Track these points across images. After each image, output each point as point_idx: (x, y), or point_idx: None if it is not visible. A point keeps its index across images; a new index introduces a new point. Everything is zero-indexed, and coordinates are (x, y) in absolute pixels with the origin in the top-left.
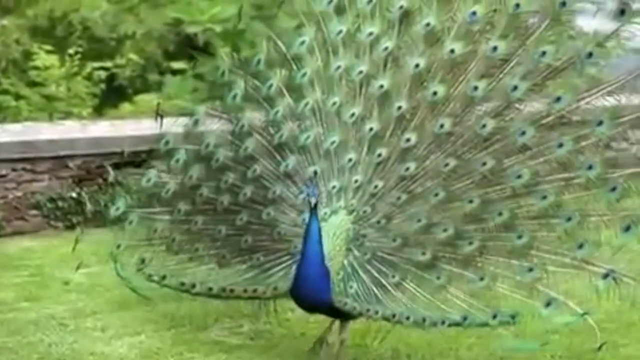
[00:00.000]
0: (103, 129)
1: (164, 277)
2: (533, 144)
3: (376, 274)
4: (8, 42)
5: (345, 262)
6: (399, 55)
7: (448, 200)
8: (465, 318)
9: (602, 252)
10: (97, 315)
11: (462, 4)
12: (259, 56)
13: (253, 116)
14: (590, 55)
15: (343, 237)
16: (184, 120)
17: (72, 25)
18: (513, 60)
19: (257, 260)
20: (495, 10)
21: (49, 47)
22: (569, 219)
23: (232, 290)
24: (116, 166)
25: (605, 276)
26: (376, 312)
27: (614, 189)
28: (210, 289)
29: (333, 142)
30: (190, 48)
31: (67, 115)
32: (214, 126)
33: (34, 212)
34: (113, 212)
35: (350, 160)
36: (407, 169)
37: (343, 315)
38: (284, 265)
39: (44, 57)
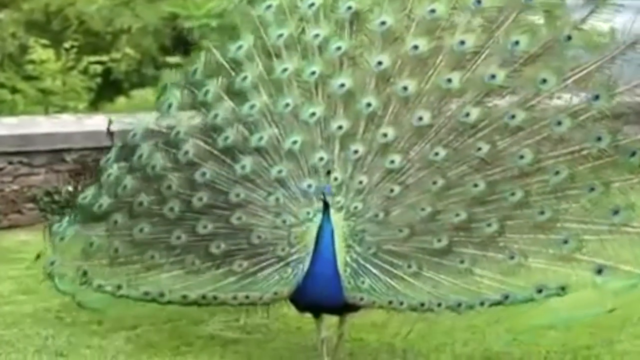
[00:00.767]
0: (99, 122)
1: (119, 287)
2: (526, 125)
3: (388, 267)
4: (4, 36)
5: (348, 258)
6: (356, 54)
7: (449, 187)
8: (506, 297)
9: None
10: None
11: (416, 2)
12: (196, 66)
13: (189, 122)
14: (569, 38)
15: (338, 234)
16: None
17: (68, 19)
18: (484, 52)
19: (240, 267)
20: (455, 8)
21: (45, 41)
22: (591, 189)
23: (215, 298)
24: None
25: None
26: (401, 304)
27: (633, 154)
28: (185, 296)
29: (295, 142)
30: (186, 43)
31: (63, 109)
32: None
33: (30, 205)
34: (55, 228)
35: (321, 159)
36: (392, 162)
37: (350, 311)
38: (276, 268)
39: (40, 51)
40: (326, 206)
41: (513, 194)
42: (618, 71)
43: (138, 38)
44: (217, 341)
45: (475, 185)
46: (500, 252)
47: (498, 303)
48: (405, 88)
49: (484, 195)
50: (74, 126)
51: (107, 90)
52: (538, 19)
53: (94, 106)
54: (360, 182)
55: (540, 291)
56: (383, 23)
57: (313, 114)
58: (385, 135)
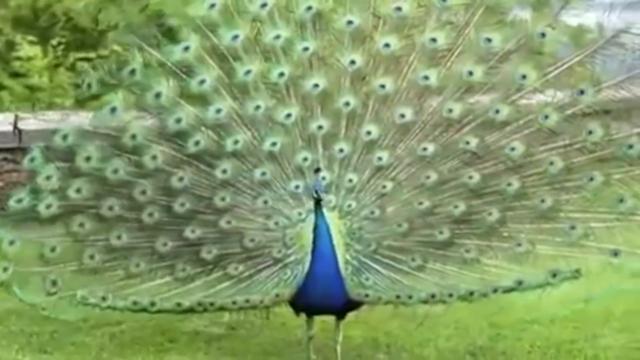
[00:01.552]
0: (85, 120)
1: (104, 299)
2: (512, 120)
3: (391, 262)
4: None
5: (348, 257)
6: (326, 54)
7: (443, 181)
8: (520, 282)
9: None
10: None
11: (380, 1)
12: (133, 66)
13: (141, 125)
14: (543, 35)
15: (335, 232)
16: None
17: (55, 16)
18: (457, 49)
19: (236, 270)
20: (420, 6)
21: (32, 38)
22: (591, 179)
23: (212, 304)
24: None
25: None
26: (409, 297)
27: (630, 147)
28: (179, 304)
29: (274, 144)
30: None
31: (50, 105)
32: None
33: None
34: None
35: (305, 159)
36: (380, 158)
37: (352, 310)
38: (274, 270)
39: (27, 48)
40: (318, 204)
41: (510, 185)
42: (601, 67)
43: (125, 35)
44: (201, 337)
45: (470, 178)
46: (506, 241)
47: (512, 289)
48: (382, 86)
49: (480, 187)
50: (59, 123)
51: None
52: (512, 18)
53: (80, 103)
54: (350, 181)
55: (554, 275)
56: (350, 22)
57: (289, 115)
58: (369, 133)
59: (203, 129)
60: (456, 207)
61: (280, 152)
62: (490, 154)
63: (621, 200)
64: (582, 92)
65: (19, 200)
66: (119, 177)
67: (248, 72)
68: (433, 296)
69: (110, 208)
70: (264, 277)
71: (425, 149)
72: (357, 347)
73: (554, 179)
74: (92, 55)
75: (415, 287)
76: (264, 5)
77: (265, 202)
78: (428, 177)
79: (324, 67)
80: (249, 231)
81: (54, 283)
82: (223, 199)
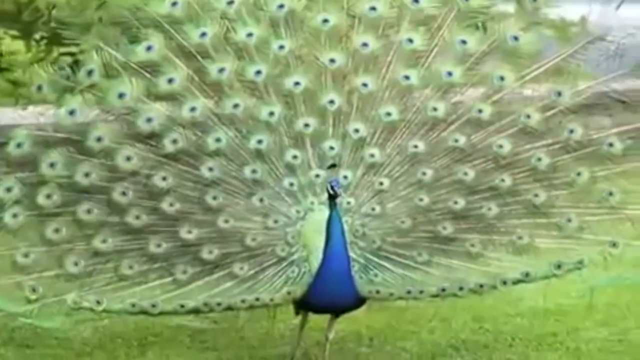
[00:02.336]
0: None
1: (98, 303)
2: (495, 119)
3: (397, 258)
4: None
5: (353, 255)
6: (303, 52)
7: (439, 177)
8: (527, 274)
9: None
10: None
11: (353, 0)
12: (90, 67)
13: (107, 127)
14: (516, 38)
15: None
16: None
17: (38, 10)
18: (434, 50)
19: (241, 270)
20: (394, 7)
21: (15, 32)
22: (578, 174)
23: (219, 304)
24: None
25: None
26: (421, 292)
27: (611, 145)
28: (183, 305)
29: (260, 142)
30: None
31: (32, 101)
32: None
33: None
34: None
35: (295, 157)
36: (372, 155)
37: (357, 308)
38: (280, 268)
39: (9, 42)
40: (332, 200)
41: (503, 180)
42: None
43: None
44: (184, 331)
45: (466, 174)
46: (508, 235)
47: (519, 281)
48: (365, 85)
49: (476, 183)
50: (42, 118)
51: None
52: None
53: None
54: (345, 177)
55: (559, 267)
56: (326, 21)
57: (272, 113)
58: (357, 130)
59: (179, 128)
60: (456, 202)
61: (268, 150)
62: (480, 151)
63: (610, 194)
64: (559, 93)
65: None
66: (91, 180)
67: (222, 70)
68: (444, 290)
69: (89, 212)
70: (270, 276)
71: (416, 146)
72: (340, 340)
73: (543, 175)
74: (74, 50)
75: (425, 281)
76: (230, 2)
77: (261, 200)
78: (424, 174)
79: (303, 66)
80: (249, 230)
81: (33, 290)
82: (215, 198)
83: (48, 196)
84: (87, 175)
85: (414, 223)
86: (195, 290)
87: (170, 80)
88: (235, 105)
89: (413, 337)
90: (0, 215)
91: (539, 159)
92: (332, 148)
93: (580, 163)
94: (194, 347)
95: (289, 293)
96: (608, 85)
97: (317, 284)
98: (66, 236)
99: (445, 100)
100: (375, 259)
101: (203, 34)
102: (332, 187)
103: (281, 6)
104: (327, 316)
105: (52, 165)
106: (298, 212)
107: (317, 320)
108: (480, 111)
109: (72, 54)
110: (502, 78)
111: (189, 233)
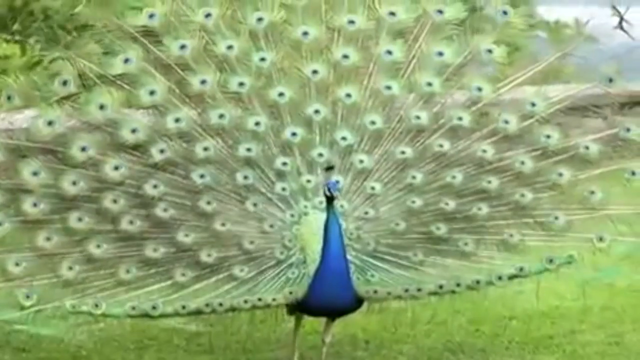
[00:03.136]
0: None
1: (96, 305)
2: (476, 127)
3: (392, 258)
4: None
5: (349, 256)
6: (285, 65)
7: (429, 181)
8: (521, 269)
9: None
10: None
11: (331, 14)
12: (66, 78)
13: (93, 138)
14: (490, 51)
15: None
16: None
17: (33, 14)
18: (412, 61)
19: (241, 272)
20: (373, 20)
21: (9, 36)
22: (560, 174)
23: (221, 304)
24: None
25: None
26: (419, 290)
27: (587, 148)
28: (184, 307)
29: (249, 150)
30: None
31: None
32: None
33: None
34: None
35: (285, 164)
36: (362, 161)
37: (355, 310)
38: (281, 269)
39: (4, 46)
40: (330, 202)
41: (490, 182)
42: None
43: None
44: (180, 334)
45: (454, 177)
46: (498, 235)
47: (514, 276)
48: (348, 95)
49: (464, 185)
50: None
51: None
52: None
53: (58, 102)
54: (337, 182)
55: (551, 261)
56: (306, 33)
57: (258, 123)
58: (344, 138)
59: (165, 138)
60: (447, 204)
61: (258, 157)
62: (466, 157)
63: (592, 192)
64: (533, 104)
65: None
66: (79, 189)
67: (204, 82)
68: (441, 287)
69: (80, 219)
70: (270, 277)
71: (403, 152)
72: (336, 344)
73: (528, 177)
74: (70, 54)
75: (422, 280)
76: (208, 15)
77: (255, 205)
78: (414, 177)
79: (286, 77)
80: (246, 234)
81: (27, 296)
82: (209, 203)
83: (34, 205)
84: (74, 183)
85: (407, 225)
86: (195, 292)
87: (152, 92)
88: (221, 116)
89: (409, 340)
90: None
91: (523, 163)
92: (321, 155)
93: (560, 166)
94: (190, 350)
95: (290, 293)
96: (582, 93)
97: (315, 285)
98: (58, 244)
99: (427, 109)
100: (371, 260)
101: (182, 47)
102: (329, 189)
103: (260, 19)
104: (323, 319)
105: (35, 174)
106: (292, 216)
107: (313, 323)
108: (460, 119)
109: (66, 59)
110: (479, 89)
111: (186, 237)
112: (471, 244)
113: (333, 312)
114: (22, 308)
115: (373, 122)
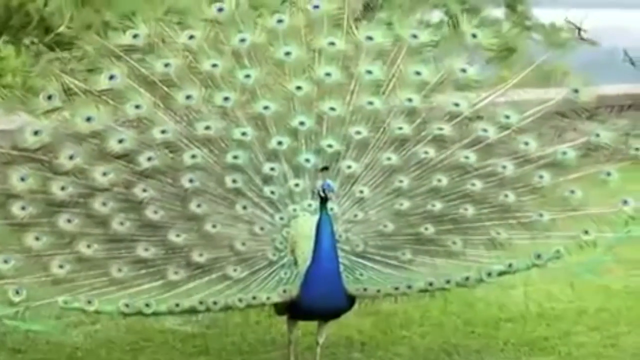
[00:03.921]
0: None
1: (89, 302)
2: (457, 137)
3: (381, 258)
4: None
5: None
6: (270, 81)
7: (416, 185)
8: (510, 265)
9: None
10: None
11: (311, 35)
12: (50, 92)
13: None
14: (464, 70)
15: None
16: None
17: (28, 16)
18: (392, 80)
19: (235, 271)
20: (349, 42)
21: (5, 38)
22: (541, 177)
23: (215, 303)
24: None
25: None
26: (409, 287)
27: (564, 153)
28: (178, 304)
29: (236, 157)
30: None
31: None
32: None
33: None
34: None
35: (272, 169)
36: (349, 167)
37: (347, 311)
38: (274, 269)
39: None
40: (323, 203)
41: (474, 185)
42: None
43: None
44: (176, 336)
45: (439, 181)
46: (485, 234)
47: (504, 272)
48: (332, 109)
49: (450, 189)
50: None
51: None
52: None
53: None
54: (331, 184)
55: (539, 256)
56: (288, 53)
57: (244, 133)
58: (330, 146)
59: (151, 148)
60: (434, 206)
61: (245, 164)
62: (450, 162)
63: (572, 192)
64: (507, 116)
65: None
66: (68, 194)
67: (189, 97)
68: (431, 284)
69: (69, 221)
70: (263, 277)
71: (389, 158)
72: (332, 346)
73: (511, 181)
74: (65, 55)
75: (411, 278)
76: (191, 37)
77: (245, 207)
78: (401, 182)
79: (271, 93)
80: (237, 236)
81: (17, 292)
82: (199, 206)
83: (23, 208)
84: (62, 189)
85: (395, 226)
86: (188, 291)
87: (137, 107)
88: (207, 127)
89: (405, 341)
90: None
91: (504, 167)
92: (307, 160)
93: (541, 171)
94: (185, 352)
95: (284, 291)
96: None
97: (307, 284)
98: (47, 244)
99: (409, 121)
100: (360, 260)
101: (167, 65)
102: (324, 190)
103: (242, 40)
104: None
105: (22, 179)
106: (282, 219)
107: (308, 325)
108: (441, 129)
109: (62, 60)
110: (456, 105)
111: (177, 237)
112: (459, 243)
113: (325, 313)
114: (12, 304)
115: (358, 132)
